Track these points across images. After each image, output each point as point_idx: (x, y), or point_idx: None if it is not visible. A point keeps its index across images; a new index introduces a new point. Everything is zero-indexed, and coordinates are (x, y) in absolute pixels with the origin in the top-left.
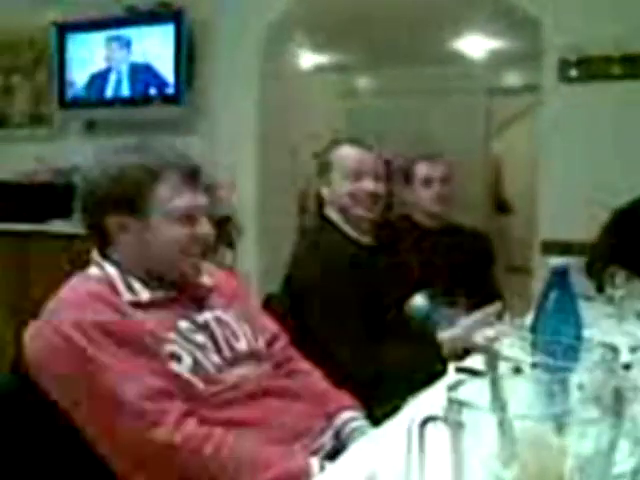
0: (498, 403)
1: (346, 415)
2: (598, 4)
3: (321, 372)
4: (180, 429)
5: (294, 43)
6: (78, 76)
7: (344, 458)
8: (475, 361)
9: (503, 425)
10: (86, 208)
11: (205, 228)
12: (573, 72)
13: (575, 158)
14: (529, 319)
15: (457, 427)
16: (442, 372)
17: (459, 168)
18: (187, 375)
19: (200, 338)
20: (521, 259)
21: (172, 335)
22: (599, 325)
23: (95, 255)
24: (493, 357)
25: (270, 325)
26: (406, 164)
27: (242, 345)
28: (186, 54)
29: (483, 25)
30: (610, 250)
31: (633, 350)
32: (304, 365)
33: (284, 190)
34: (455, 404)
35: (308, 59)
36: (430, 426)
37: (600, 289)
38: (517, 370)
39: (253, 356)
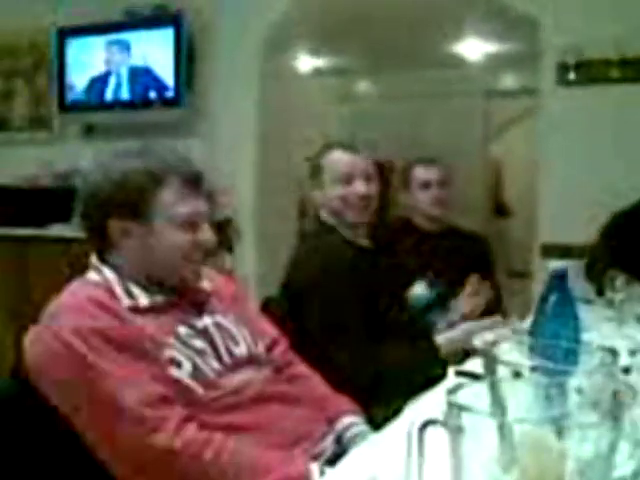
0: (497, 407)
1: (347, 420)
2: (596, 7)
3: (320, 375)
4: (180, 434)
5: (294, 46)
6: (78, 80)
7: (345, 462)
8: (475, 364)
9: (503, 429)
10: (87, 212)
11: (207, 234)
12: (571, 75)
13: (574, 161)
14: (528, 323)
15: (457, 431)
16: (442, 375)
17: (458, 171)
18: (187, 380)
19: (199, 343)
20: (521, 263)
21: (171, 340)
22: (599, 328)
23: (94, 260)
24: (492, 361)
25: (270, 329)
26: (404, 167)
27: (242, 350)
28: (185, 57)
29: (481, 28)
30: (610, 253)
31: (633, 353)
32: (304, 370)
33: (283, 194)
34: (454, 408)
35: (307, 62)
36: (430, 430)
37: (600, 292)
38: (517, 374)
39: (253, 361)
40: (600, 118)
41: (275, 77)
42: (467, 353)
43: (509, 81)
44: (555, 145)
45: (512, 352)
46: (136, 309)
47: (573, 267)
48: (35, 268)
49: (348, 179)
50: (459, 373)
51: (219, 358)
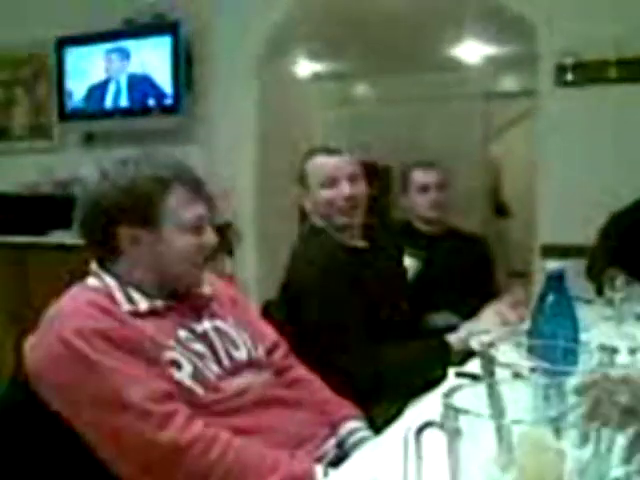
0: (496, 408)
1: (350, 425)
2: (594, 7)
3: (320, 377)
4: (187, 431)
5: (292, 50)
6: (77, 88)
7: (347, 465)
8: (476, 365)
9: (501, 430)
10: (89, 220)
11: (211, 237)
12: (569, 76)
13: (573, 161)
14: (526, 323)
15: (454, 433)
16: (442, 376)
17: (458, 173)
18: (188, 382)
19: (199, 347)
20: (521, 263)
21: (172, 342)
22: (598, 327)
23: (94, 266)
24: (489, 362)
25: (270, 333)
26: (403, 171)
27: (242, 354)
28: (184, 64)
29: (479, 30)
30: (609, 253)
31: (632, 352)
32: (305, 373)
33: (283, 197)
34: (451, 410)
35: (306, 66)
36: (429, 431)
37: (600, 292)
38: (516, 375)
39: (253, 365)
40: (599, 118)
41: (274, 82)
42: (469, 354)
43: (508, 83)
44: (554, 146)
45: (511, 353)
46: (136, 313)
47: (572, 267)
48: (35, 275)
49: (332, 182)
50: (459, 374)
51: (219, 362)
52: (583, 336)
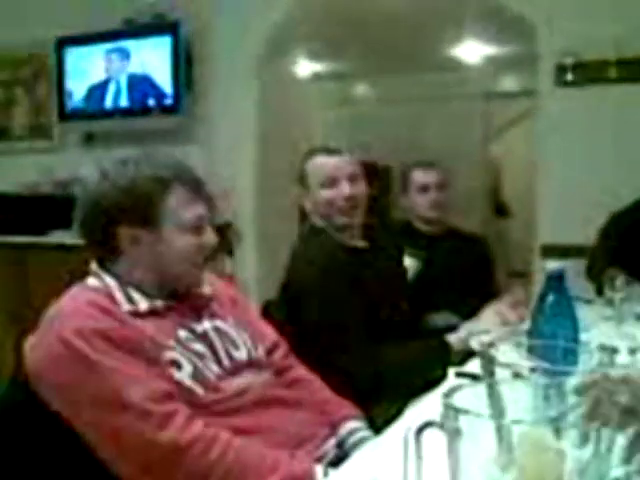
0: (496, 408)
1: (350, 425)
2: (593, 7)
3: (320, 377)
4: (186, 431)
5: (292, 50)
6: (77, 88)
7: (347, 465)
8: (475, 365)
9: (501, 430)
10: (89, 220)
11: (211, 237)
12: (569, 76)
13: (573, 161)
14: (526, 323)
15: (454, 433)
16: (442, 376)
17: (458, 173)
18: (188, 382)
19: (199, 347)
20: (521, 263)
21: (172, 342)
22: (598, 327)
23: (94, 266)
24: (489, 362)
25: (270, 333)
26: (403, 171)
27: (242, 354)
28: (184, 64)
29: (479, 30)
30: (609, 253)
31: (632, 352)
32: (305, 373)
33: (283, 196)
34: (451, 410)
35: (306, 66)
36: (429, 431)
37: (600, 292)
38: (516, 375)
39: (253, 365)
40: (599, 118)
41: (274, 82)
42: (469, 354)
43: (508, 83)
44: (554, 146)
45: (511, 353)
46: (136, 313)
47: (572, 267)
48: (35, 275)
49: (332, 182)
50: (459, 374)
51: (219, 362)
52: (583, 336)
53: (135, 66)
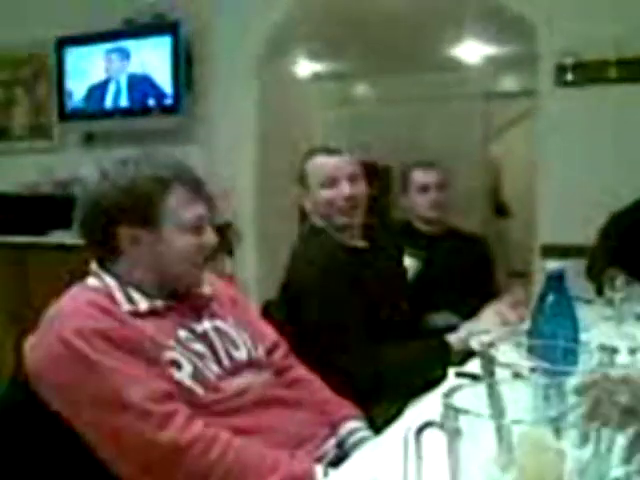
0: (496, 408)
1: (350, 425)
2: (593, 7)
3: (320, 377)
4: (186, 432)
5: (292, 50)
6: (77, 88)
7: (347, 465)
8: (475, 365)
9: (501, 430)
10: (89, 220)
11: (211, 237)
12: (569, 76)
13: (573, 161)
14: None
15: (454, 433)
16: (442, 376)
17: (458, 173)
18: (188, 382)
19: (199, 347)
20: (521, 263)
21: (172, 342)
22: (598, 327)
23: (94, 266)
24: (489, 362)
25: (270, 333)
26: (403, 171)
27: (242, 354)
28: (184, 64)
29: (479, 30)
30: (609, 253)
31: (632, 352)
32: (305, 373)
33: (283, 197)
34: (451, 410)
35: (306, 66)
36: (429, 431)
37: (600, 292)
38: (516, 375)
39: (253, 365)
40: (599, 118)
41: (274, 82)
42: (469, 354)
43: (508, 83)
44: (554, 146)
45: (511, 353)
46: (136, 313)
47: (572, 267)
48: (35, 275)
49: (332, 182)
50: (459, 374)
51: (219, 362)
52: (583, 336)
53: (135, 66)
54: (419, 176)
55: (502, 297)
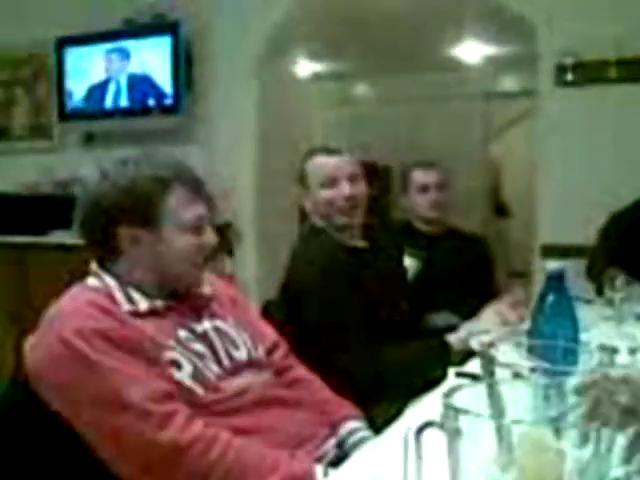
0: (496, 408)
1: (350, 425)
2: (593, 7)
3: (320, 377)
4: (186, 432)
5: (292, 50)
6: (77, 88)
7: (347, 465)
8: (475, 365)
9: (501, 430)
10: (89, 220)
11: (211, 237)
12: (569, 76)
13: (573, 161)
14: (526, 323)
15: (454, 433)
16: (442, 376)
17: (458, 173)
18: (188, 382)
19: (199, 347)
20: (521, 263)
21: (172, 342)
22: (598, 327)
23: (94, 266)
24: (489, 362)
25: (270, 333)
26: (403, 171)
27: (242, 354)
28: (184, 64)
29: (479, 30)
30: (609, 253)
31: (632, 352)
32: (305, 373)
33: (283, 197)
34: (451, 410)
35: (306, 66)
36: (429, 431)
37: (600, 292)
38: (516, 375)
39: (253, 365)
40: (599, 118)
41: (274, 82)
42: (469, 354)
43: (508, 83)
44: (554, 146)
45: (511, 353)
46: (136, 313)
47: (572, 267)
48: (35, 275)
49: (332, 182)
50: (459, 374)
51: (219, 362)
52: (583, 336)
53: (135, 66)
54: (419, 176)
55: (502, 297)
